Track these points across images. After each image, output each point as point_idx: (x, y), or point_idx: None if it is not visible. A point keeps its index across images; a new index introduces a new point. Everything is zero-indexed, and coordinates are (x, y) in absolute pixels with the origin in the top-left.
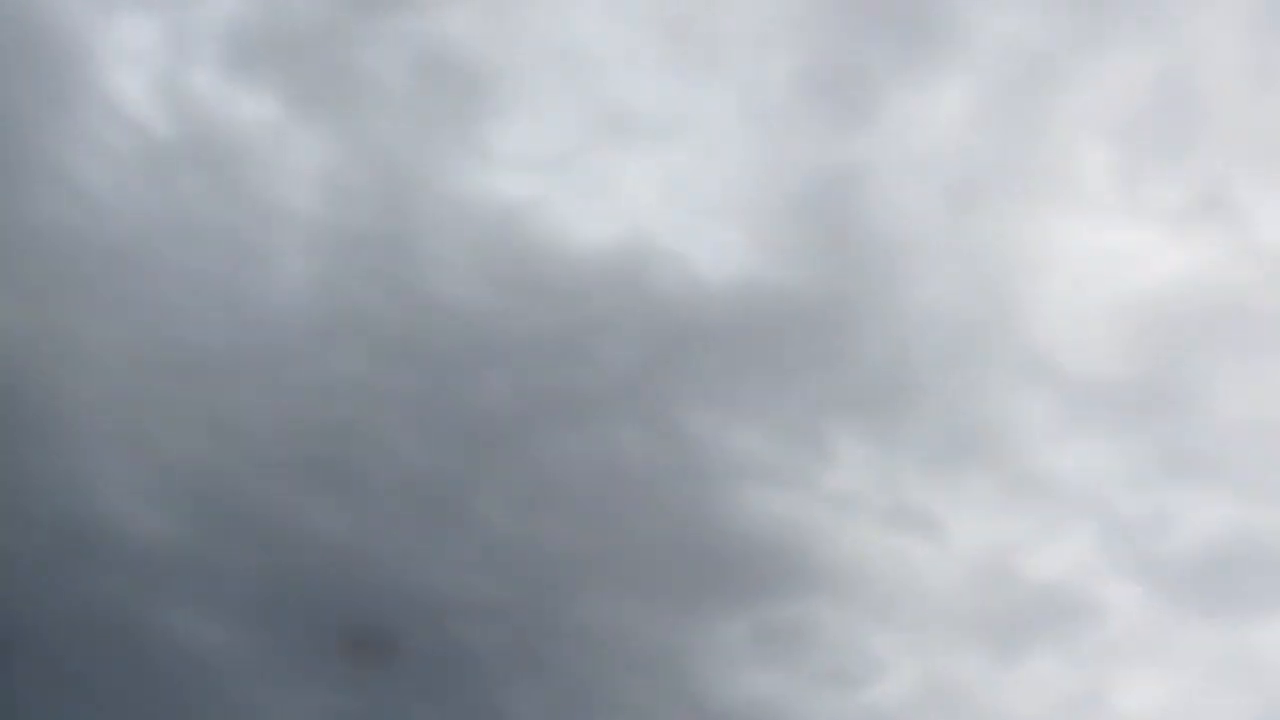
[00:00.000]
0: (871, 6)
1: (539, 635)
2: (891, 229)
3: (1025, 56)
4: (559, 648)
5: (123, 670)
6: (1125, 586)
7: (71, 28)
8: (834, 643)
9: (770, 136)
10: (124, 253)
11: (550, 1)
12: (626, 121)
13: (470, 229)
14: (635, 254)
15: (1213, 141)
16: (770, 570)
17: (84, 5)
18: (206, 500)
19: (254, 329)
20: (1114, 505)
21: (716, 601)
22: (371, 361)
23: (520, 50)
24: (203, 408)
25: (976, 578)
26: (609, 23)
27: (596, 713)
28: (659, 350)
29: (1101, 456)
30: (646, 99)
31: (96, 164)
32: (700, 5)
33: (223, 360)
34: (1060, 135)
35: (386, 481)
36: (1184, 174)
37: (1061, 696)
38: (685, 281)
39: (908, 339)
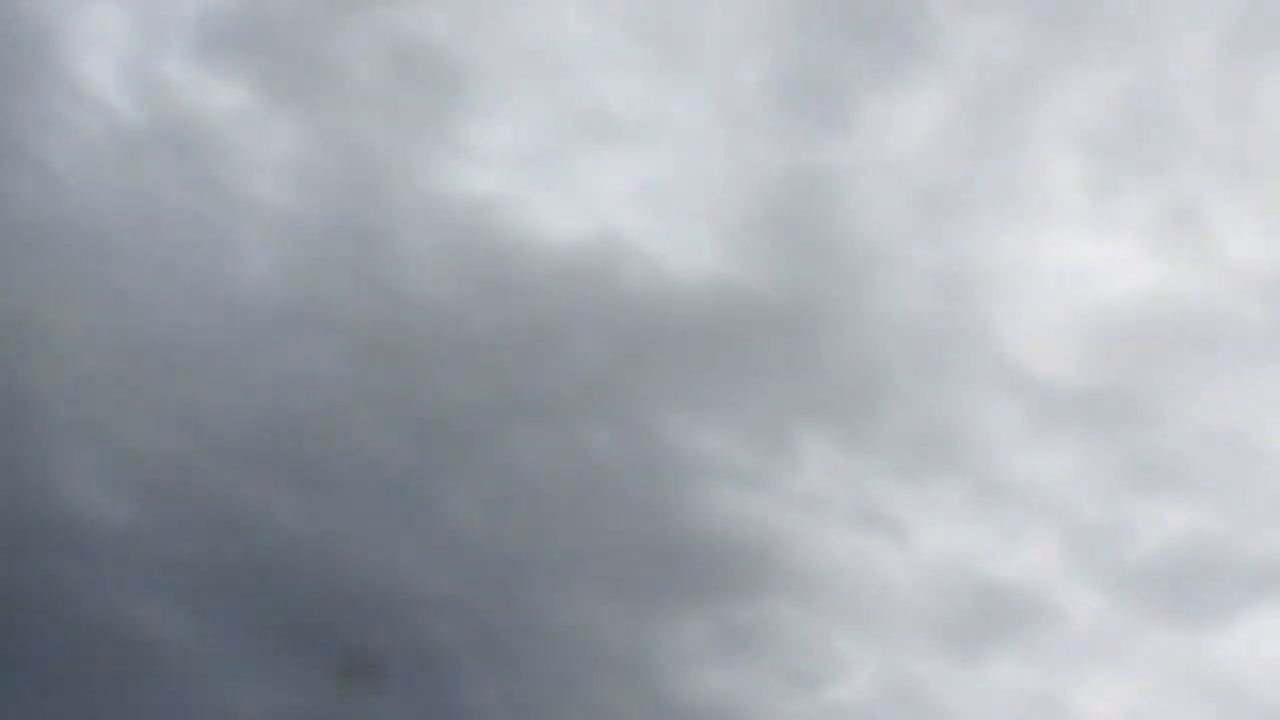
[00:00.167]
0: (847, 14)
1: (504, 632)
2: (862, 234)
3: (999, 68)
4: (524, 645)
5: (82, 659)
6: (1086, 592)
7: (41, 12)
8: (797, 642)
9: (743, 139)
10: (92, 239)
11: (527, 1)
12: (600, 121)
13: (442, 224)
14: (606, 253)
15: (1182, 157)
16: (735, 570)
17: None
18: (169, 490)
19: (221, 319)
20: (1077, 512)
21: (681, 600)
22: (340, 354)
23: (496, 48)
24: (168, 397)
25: (939, 580)
26: (585, 23)
27: (561, 709)
28: (628, 349)
29: (1065, 464)
30: (621, 99)
31: (65, 149)
32: (677, 8)
33: (189, 350)
34: (1032, 147)
35: (353, 475)
36: (1153, 188)
37: (1021, 698)
38: (656, 281)
39: (876, 343)
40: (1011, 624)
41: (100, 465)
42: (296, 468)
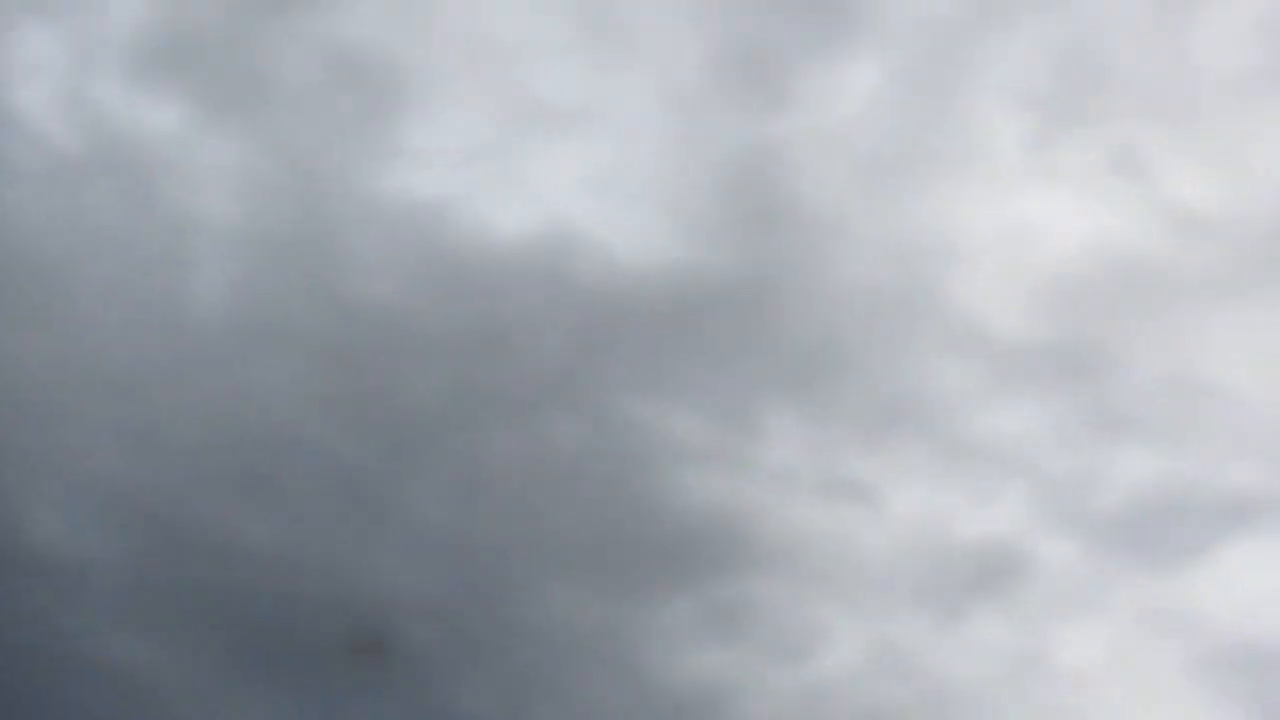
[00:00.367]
0: None
1: (483, 630)
2: (812, 206)
3: (936, 30)
4: (504, 641)
5: (52, 689)
6: (1059, 543)
7: None
8: (778, 617)
9: (686, 120)
10: (39, 269)
11: None
12: (540, 112)
13: (389, 228)
14: (557, 244)
15: (1121, 107)
16: (711, 550)
17: None
18: (132, 515)
19: (174, 339)
20: (1043, 465)
21: (659, 585)
22: (296, 366)
23: (431, 46)
24: (127, 421)
25: (914, 544)
26: (518, 13)
27: (545, 702)
28: (586, 339)
29: (1028, 419)
30: (559, 89)
31: (3, 181)
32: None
33: (143, 372)
34: (973, 106)
35: (318, 487)
36: (1095, 139)
37: (1004, 654)
38: (608, 269)
39: (833, 314)
40: (989, 581)
41: (63, 493)
42: (262, 483)
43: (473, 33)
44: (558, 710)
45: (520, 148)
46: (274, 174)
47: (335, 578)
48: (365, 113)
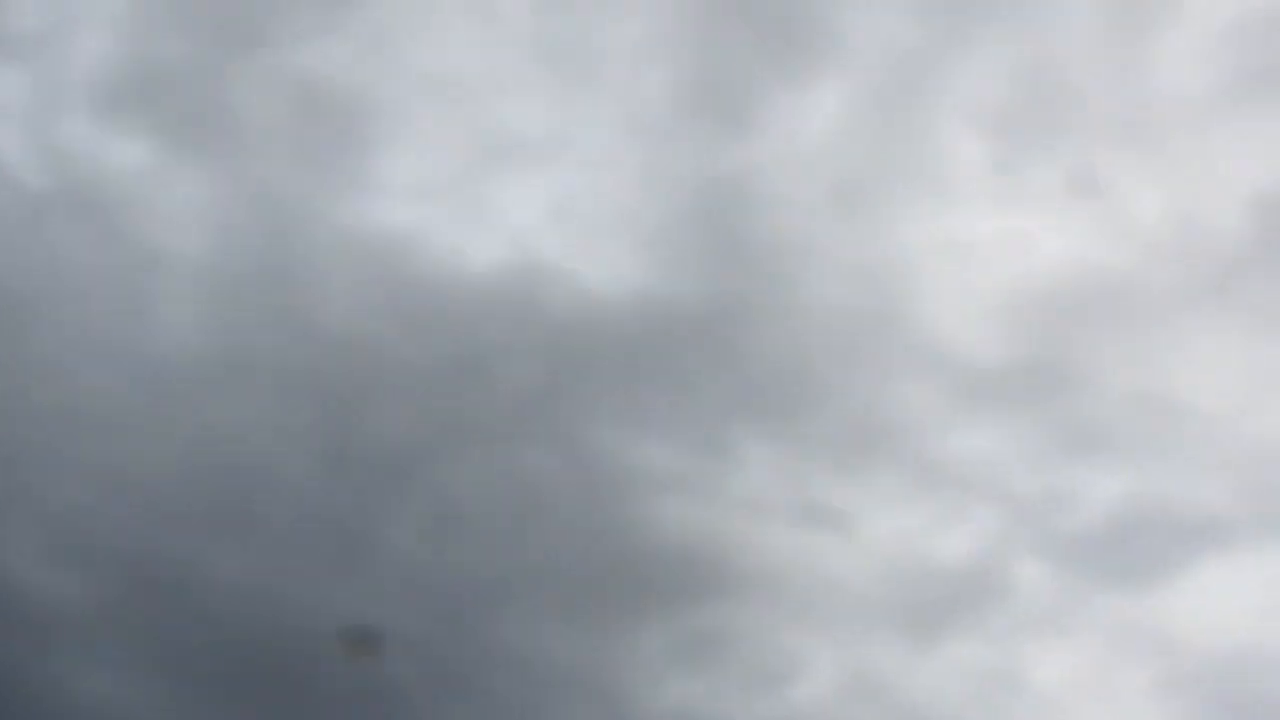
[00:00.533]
0: (743, 16)
1: (460, 662)
2: (779, 232)
3: (896, 55)
4: (481, 672)
5: None
6: (1031, 564)
7: None
8: (755, 644)
9: (653, 149)
10: (6, 309)
11: (424, 29)
12: (508, 144)
13: (359, 260)
14: (526, 275)
15: (1082, 127)
16: (686, 578)
17: None
18: (103, 553)
19: (144, 376)
20: (1014, 486)
21: (635, 613)
22: (267, 400)
23: (396, 79)
24: (97, 460)
25: (888, 568)
26: (484, 47)
27: None
28: (558, 369)
29: (998, 440)
30: (526, 120)
31: None
32: (574, 24)
33: (112, 408)
34: (936, 129)
35: (290, 521)
36: (1057, 160)
37: (979, 677)
38: (578, 299)
39: (803, 339)
40: (962, 604)
41: (34, 534)
42: (233, 518)
43: (439, 67)
44: None
45: (488, 179)
46: (241, 209)
47: (309, 612)
48: (332, 147)
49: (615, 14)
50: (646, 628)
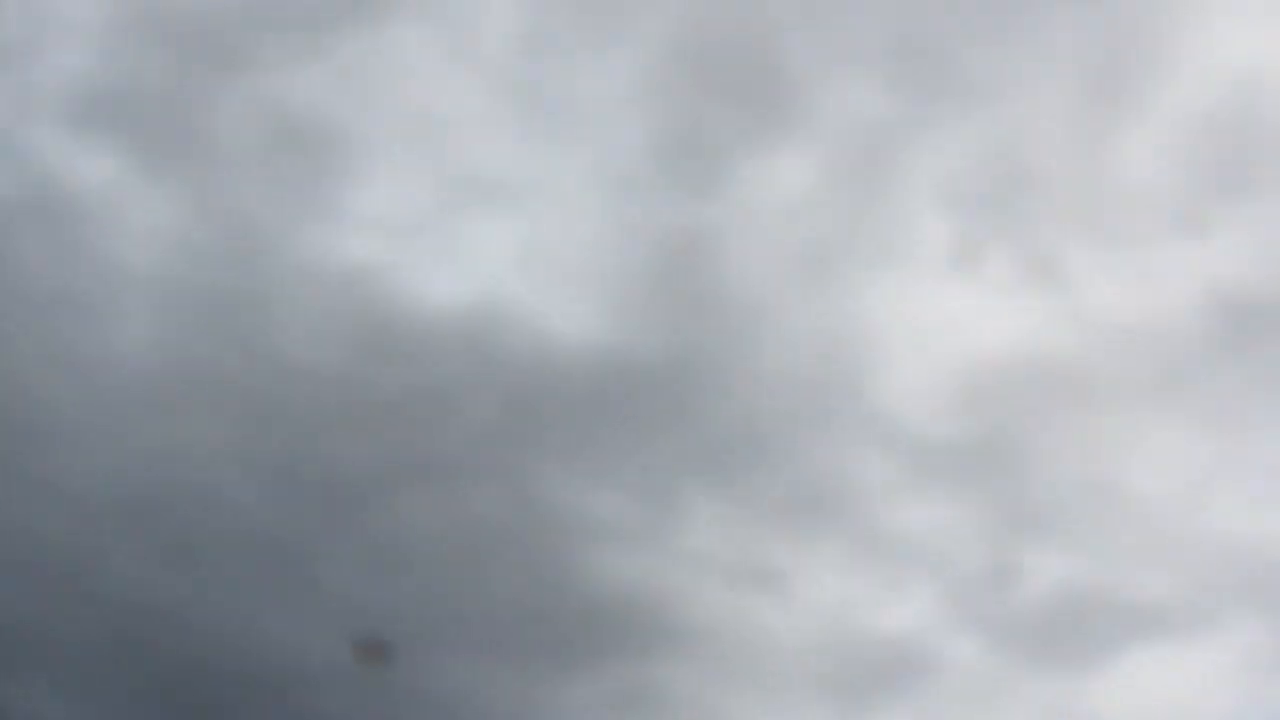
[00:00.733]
0: (721, 76)
1: (392, 700)
2: (741, 293)
3: (867, 128)
4: (410, 710)
5: None
6: (966, 641)
7: None
8: (686, 702)
9: (623, 201)
10: None
11: (404, 66)
12: (480, 186)
13: (323, 291)
14: (489, 317)
15: (1043, 213)
16: (624, 630)
17: None
18: (45, 570)
19: (98, 391)
20: (955, 562)
21: (570, 663)
22: (220, 424)
23: (373, 114)
24: (42, 473)
25: (824, 634)
26: (463, 87)
27: None
28: (513, 412)
29: (943, 515)
30: (500, 163)
31: None
32: (556, 72)
33: (64, 423)
34: (900, 204)
35: (234, 547)
36: (1017, 243)
37: None
38: (539, 344)
39: (758, 401)
40: (896, 676)
41: None
42: (176, 541)
43: (417, 104)
44: None
45: (457, 220)
46: (208, 231)
47: (246, 639)
48: (305, 177)
49: (596, 66)
50: (579, 676)
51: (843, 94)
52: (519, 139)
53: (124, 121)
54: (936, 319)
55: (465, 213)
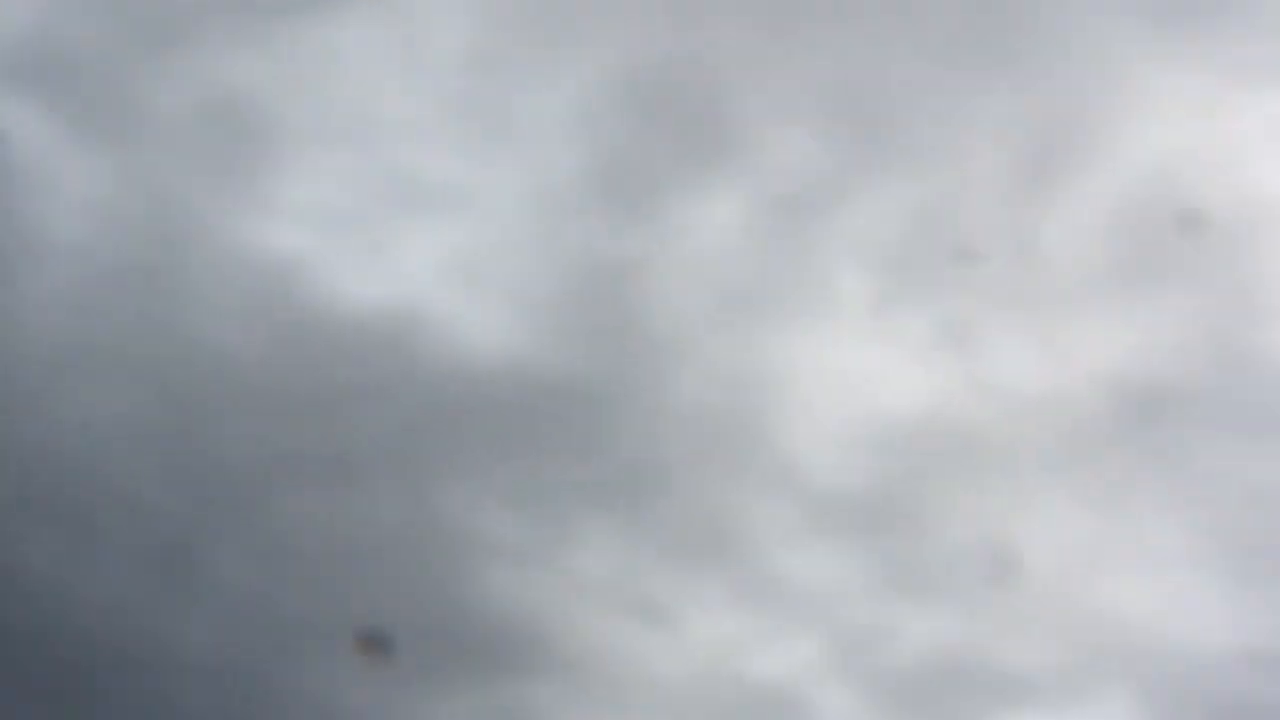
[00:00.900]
0: (664, 110)
1: (261, 699)
2: (660, 326)
3: (800, 177)
4: (276, 713)
5: None
6: (840, 694)
7: None
8: None
9: (553, 222)
10: None
11: (349, 63)
12: (413, 190)
13: (244, 278)
14: (408, 322)
15: (966, 280)
16: (503, 649)
17: None
18: None
19: None
20: (839, 614)
21: (446, 676)
22: (123, 398)
23: (314, 107)
24: None
25: (703, 674)
26: (406, 91)
27: None
28: (420, 420)
29: (833, 566)
30: (436, 170)
31: None
32: (499, 87)
33: None
34: (825, 255)
35: (124, 529)
36: (935, 306)
37: None
38: (454, 354)
39: (663, 434)
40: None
41: None
42: (65, 518)
43: (358, 103)
44: None
45: (387, 222)
46: (135, 205)
47: (122, 617)
48: (237, 162)
49: (542, 85)
50: (454, 691)
51: (780, 141)
52: (457, 148)
53: (56, 85)
54: (848, 372)
55: (396, 215)
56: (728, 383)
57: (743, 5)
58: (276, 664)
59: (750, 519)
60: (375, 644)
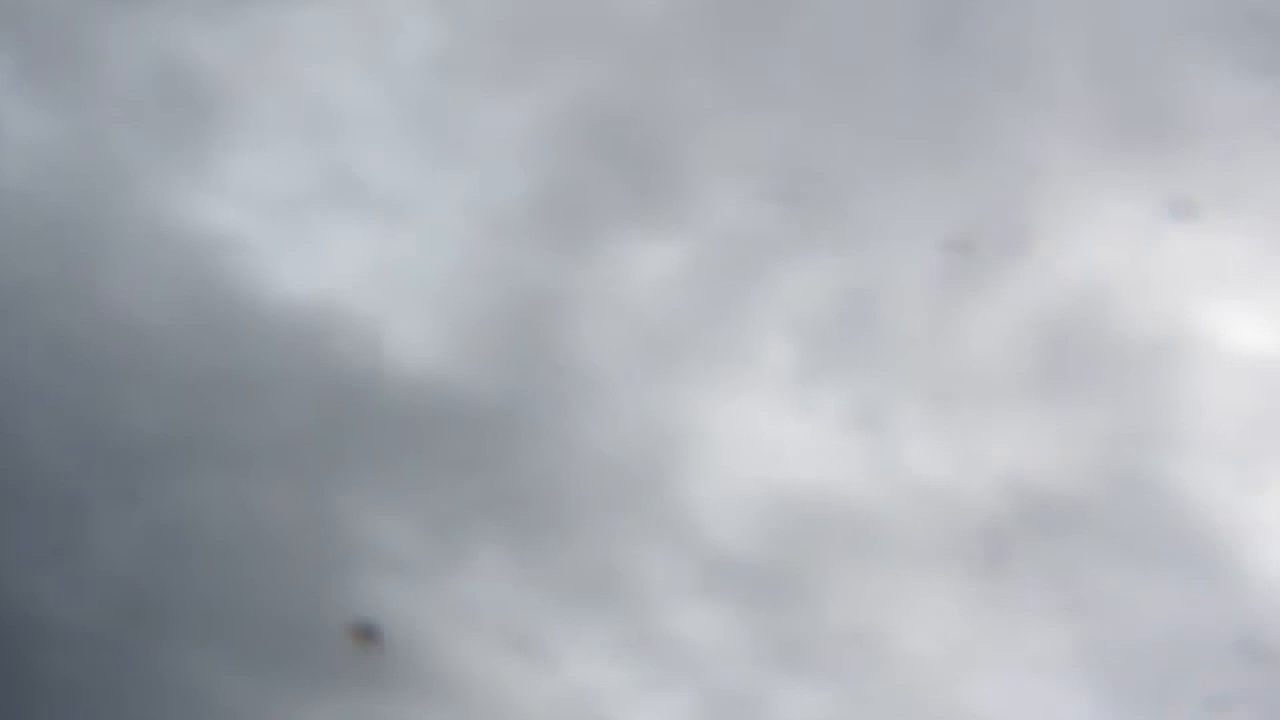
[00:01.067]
0: (616, 150)
1: (126, 678)
2: (582, 362)
3: (739, 237)
4: (140, 693)
5: None
6: None
7: None
8: None
9: (490, 242)
10: None
11: (308, 52)
12: (355, 188)
13: (169, 248)
14: (330, 319)
15: (884, 363)
16: (378, 664)
17: None
18: None
19: None
20: (715, 676)
21: (316, 684)
22: (26, 362)
23: (266, 89)
24: None
25: (571, 716)
26: (362, 89)
27: None
28: (327, 420)
29: (715, 628)
30: (380, 172)
31: None
32: (455, 98)
33: None
34: (752, 319)
35: (11, 486)
36: (850, 383)
37: None
38: (372, 359)
39: (568, 472)
40: None
41: None
42: None
43: (312, 93)
44: None
45: (324, 214)
46: (71, 159)
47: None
48: (182, 131)
49: (498, 104)
50: (323, 700)
51: (724, 199)
52: (407, 154)
53: (14, 30)
54: (758, 438)
55: (335, 211)
56: (639, 429)
57: (710, 61)
58: (148, 646)
59: (641, 569)
60: (368, 633)
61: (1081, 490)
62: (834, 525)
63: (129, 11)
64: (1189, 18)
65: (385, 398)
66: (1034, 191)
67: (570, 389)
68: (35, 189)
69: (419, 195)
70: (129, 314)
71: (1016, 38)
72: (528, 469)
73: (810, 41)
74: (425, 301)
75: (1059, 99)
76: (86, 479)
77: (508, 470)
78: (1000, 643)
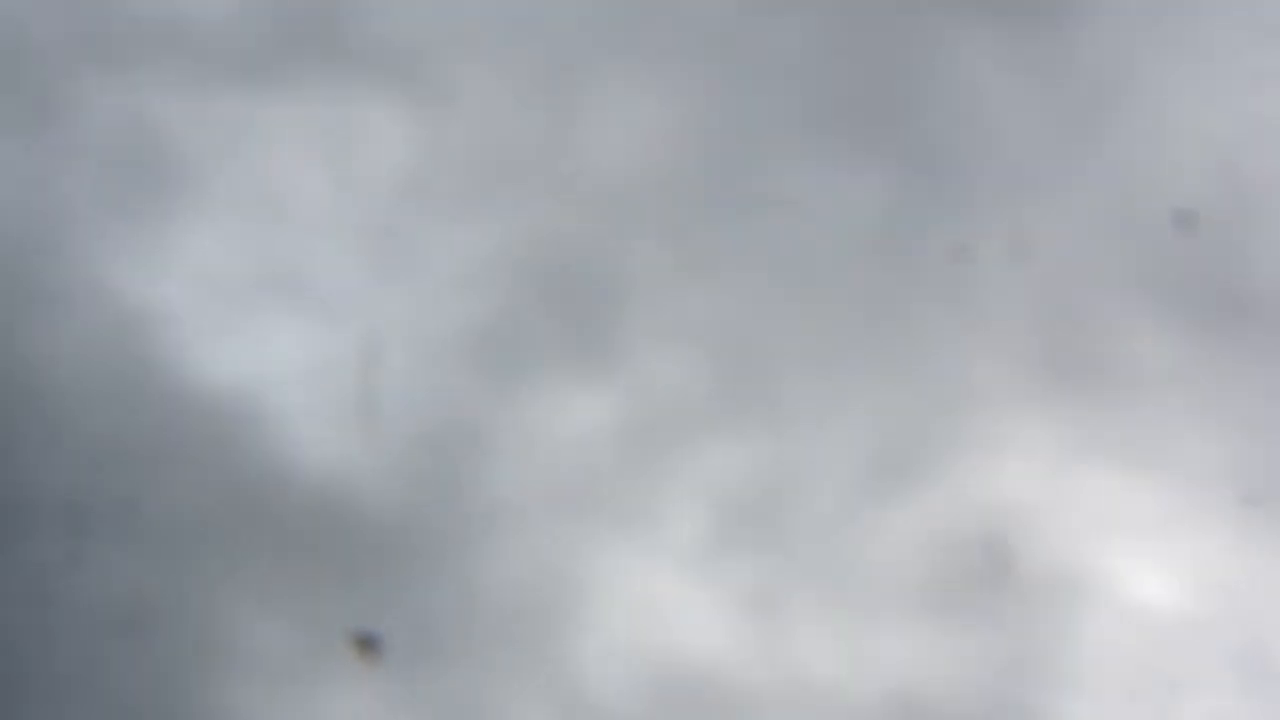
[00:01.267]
0: (561, 294)
1: None
2: (493, 499)
3: (666, 398)
4: None
5: None
6: None
7: None
8: None
9: (423, 361)
10: None
11: (276, 142)
12: (296, 285)
13: (98, 312)
14: (248, 409)
15: (789, 546)
16: None
17: None
18: None
19: None
20: None
21: None
22: None
23: (227, 169)
24: None
25: None
26: (322, 188)
27: None
28: (224, 509)
29: None
30: (324, 274)
31: None
32: (412, 216)
33: None
34: (667, 483)
35: None
36: (754, 565)
37: None
38: (282, 456)
39: (458, 603)
40: None
41: None
42: None
43: (272, 183)
44: None
45: (262, 305)
46: (16, 204)
47: None
48: (135, 197)
49: (454, 230)
50: None
51: (658, 360)
52: (353, 260)
53: None
54: (654, 603)
55: (273, 303)
56: (537, 574)
57: (668, 226)
58: None
59: (513, 714)
60: (369, 644)
61: (967, 714)
62: (715, 704)
63: (108, 72)
64: (1139, 274)
65: (289, 497)
66: (959, 409)
67: (475, 522)
68: None
69: (360, 303)
70: (47, 370)
71: (965, 259)
72: (417, 593)
73: (770, 229)
74: (347, 408)
75: (996, 327)
76: None
77: (396, 590)
78: None
